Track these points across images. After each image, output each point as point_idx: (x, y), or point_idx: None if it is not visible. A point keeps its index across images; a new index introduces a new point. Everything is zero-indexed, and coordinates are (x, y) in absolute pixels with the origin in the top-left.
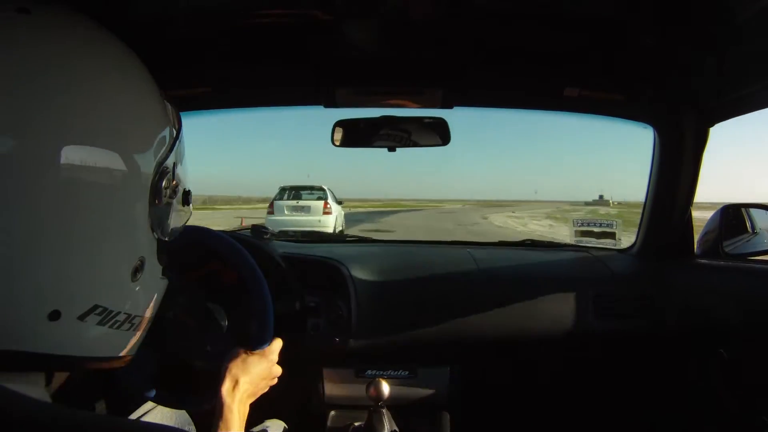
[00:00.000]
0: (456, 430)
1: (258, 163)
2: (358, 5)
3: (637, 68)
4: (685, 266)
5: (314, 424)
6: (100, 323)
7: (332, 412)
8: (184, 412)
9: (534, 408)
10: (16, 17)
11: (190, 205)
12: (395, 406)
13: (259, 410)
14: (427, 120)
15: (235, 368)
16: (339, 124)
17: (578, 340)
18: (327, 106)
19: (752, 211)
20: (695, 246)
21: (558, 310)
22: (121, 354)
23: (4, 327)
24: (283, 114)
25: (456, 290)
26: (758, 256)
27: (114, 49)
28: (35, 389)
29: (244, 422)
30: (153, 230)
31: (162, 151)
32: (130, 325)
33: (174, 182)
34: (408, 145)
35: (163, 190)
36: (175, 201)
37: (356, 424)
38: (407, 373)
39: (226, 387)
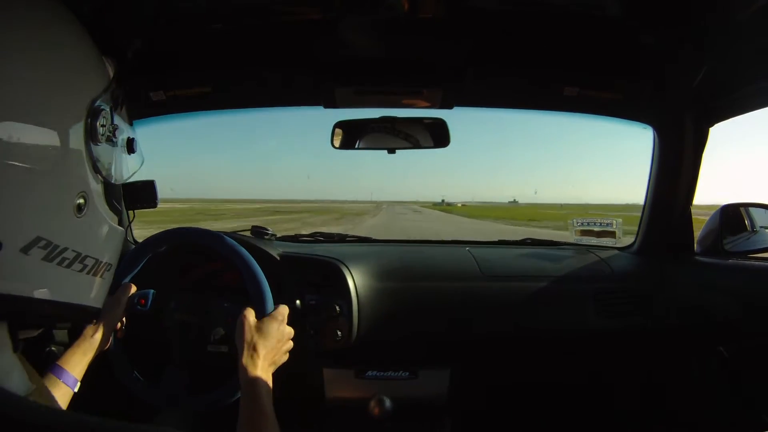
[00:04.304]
0: (456, 431)
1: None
2: (358, 5)
3: (637, 68)
4: (685, 264)
5: (314, 424)
6: (47, 258)
7: (332, 413)
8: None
9: (535, 407)
10: None
11: (136, 152)
12: (396, 407)
13: None
14: (426, 121)
15: (248, 335)
16: (339, 125)
17: (578, 338)
18: (327, 106)
19: (752, 210)
20: (695, 244)
21: (558, 308)
22: (86, 303)
23: None
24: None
25: (456, 289)
26: (758, 253)
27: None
28: (4, 353)
29: (271, 395)
30: (96, 170)
31: (95, 93)
32: (82, 266)
33: (113, 126)
34: (407, 148)
35: (99, 128)
36: (119, 147)
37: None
38: (408, 374)
39: (244, 358)
